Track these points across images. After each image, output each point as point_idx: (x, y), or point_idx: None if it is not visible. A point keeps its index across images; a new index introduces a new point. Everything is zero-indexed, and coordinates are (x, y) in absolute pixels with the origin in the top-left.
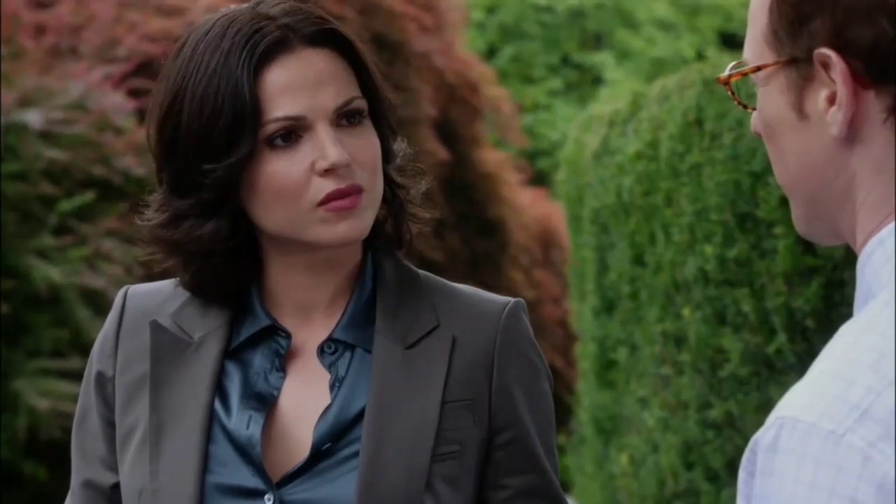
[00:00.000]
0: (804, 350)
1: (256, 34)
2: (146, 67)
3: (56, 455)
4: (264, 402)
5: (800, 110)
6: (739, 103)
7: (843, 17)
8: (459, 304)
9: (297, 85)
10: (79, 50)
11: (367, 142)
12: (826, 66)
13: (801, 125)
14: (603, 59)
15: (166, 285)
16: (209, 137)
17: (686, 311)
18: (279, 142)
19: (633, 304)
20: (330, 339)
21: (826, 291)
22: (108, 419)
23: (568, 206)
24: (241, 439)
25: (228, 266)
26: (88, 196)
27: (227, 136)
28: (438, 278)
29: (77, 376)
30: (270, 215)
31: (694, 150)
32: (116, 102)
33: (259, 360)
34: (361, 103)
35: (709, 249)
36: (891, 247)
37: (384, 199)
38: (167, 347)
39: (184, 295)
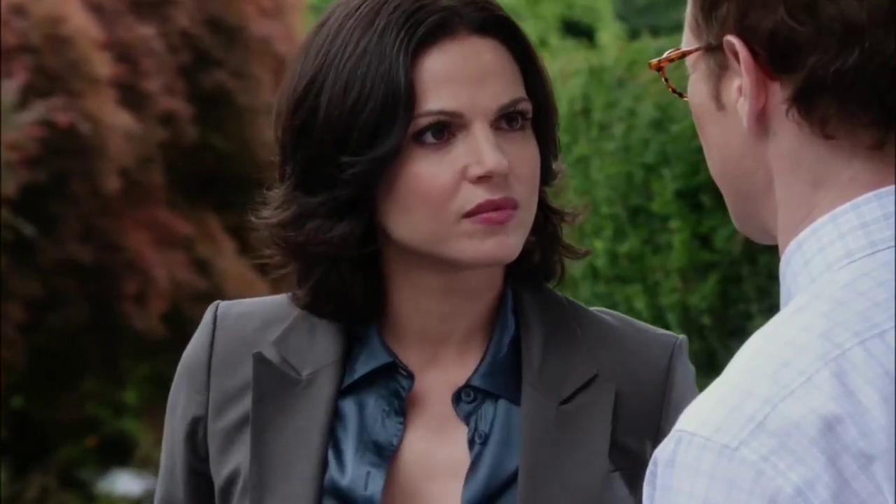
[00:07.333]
0: (701, 348)
1: (417, 13)
2: None
3: None
4: (383, 455)
5: (718, 100)
6: (674, 91)
7: (745, 2)
8: (618, 345)
9: (457, 76)
10: None
11: (527, 151)
12: (735, 54)
13: (720, 116)
14: None
15: (262, 304)
16: (352, 126)
17: None
18: (430, 138)
19: None
20: (468, 385)
21: (723, 287)
22: (194, 468)
23: None
24: (358, 501)
25: (358, 277)
26: None
27: (373, 125)
28: (585, 308)
29: None
30: (407, 223)
31: (581, 140)
32: None
33: (375, 400)
34: (526, 106)
35: (599, 244)
36: (809, 250)
37: (534, 225)
38: (272, 385)
39: (286, 318)
